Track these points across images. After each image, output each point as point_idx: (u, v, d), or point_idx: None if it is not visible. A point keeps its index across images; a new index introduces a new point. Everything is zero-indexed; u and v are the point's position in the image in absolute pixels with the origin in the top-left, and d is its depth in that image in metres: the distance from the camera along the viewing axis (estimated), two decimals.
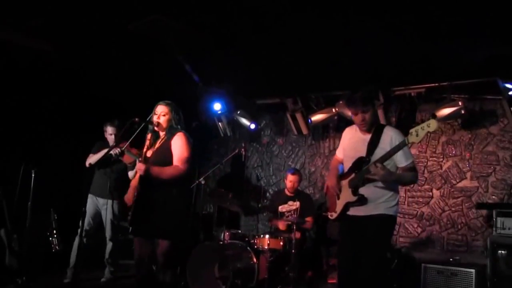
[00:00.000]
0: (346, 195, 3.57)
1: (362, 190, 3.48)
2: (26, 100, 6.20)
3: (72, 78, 6.31)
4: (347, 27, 4.54)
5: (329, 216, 3.77)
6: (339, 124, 6.75)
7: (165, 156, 3.84)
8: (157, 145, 3.93)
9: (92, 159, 5.43)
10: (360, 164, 3.49)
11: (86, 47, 5.52)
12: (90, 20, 4.77)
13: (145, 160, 3.88)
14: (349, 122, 6.44)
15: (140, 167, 3.72)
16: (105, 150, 5.26)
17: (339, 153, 3.89)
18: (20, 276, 4.84)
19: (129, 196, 4.09)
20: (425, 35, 4.61)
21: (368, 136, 3.55)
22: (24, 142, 6.15)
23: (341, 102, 6.26)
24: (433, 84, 5.74)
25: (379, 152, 3.42)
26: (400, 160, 3.46)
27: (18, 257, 5.14)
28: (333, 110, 6.36)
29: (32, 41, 5.34)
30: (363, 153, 3.50)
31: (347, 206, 3.56)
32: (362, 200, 3.47)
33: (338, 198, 3.65)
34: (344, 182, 3.62)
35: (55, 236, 5.80)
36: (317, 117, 6.48)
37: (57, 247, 5.73)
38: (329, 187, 3.76)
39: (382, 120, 5.95)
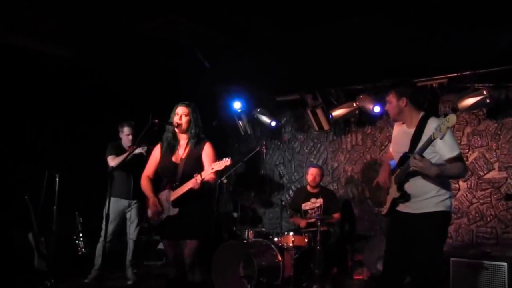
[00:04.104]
0: (393, 191, 3.55)
1: (408, 186, 3.43)
2: (49, 106, 6.30)
3: (93, 82, 6.39)
4: (366, 19, 4.47)
5: (381, 211, 3.82)
6: (361, 119, 6.68)
7: (197, 164, 3.85)
8: (184, 152, 3.92)
9: (116, 161, 5.30)
10: (404, 159, 3.42)
11: (104, 50, 5.57)
12: (106, 22, 4.81)
13: (173, 166, 3.89)
14: (370, 116, 6.45)
15: (198, 183, 3.63)
16: (128, 152, 5.24)
17: (391, 148, 3.87)
18: (49, 278, 4.92)
19: (154, 201, 3.90)
20: (446, 23, 4.52)
21: (411, 130, 3.46)
22: (48, 147, 6.24)
23: (362, 96, 6.19)
24: (455, 74, 5.61)
25: None
26: (443, 153, 3.28)
27: (46, 260, 5.23)
28: (354, 104, 6.28)
29: (51, 47, 5.41)
30: (407, 148, 3.42)
31: (395, 202, 3.53)
32: (405, 196, 3.42)
33: (388, 194, 3.65)
34: (392, 178, 3.59)
35: (81, 239, 5.89)
36: (338, 112, 6.42)
37: (83, 249, 5.82)
38: (378, 183, 3.75)
39: None
